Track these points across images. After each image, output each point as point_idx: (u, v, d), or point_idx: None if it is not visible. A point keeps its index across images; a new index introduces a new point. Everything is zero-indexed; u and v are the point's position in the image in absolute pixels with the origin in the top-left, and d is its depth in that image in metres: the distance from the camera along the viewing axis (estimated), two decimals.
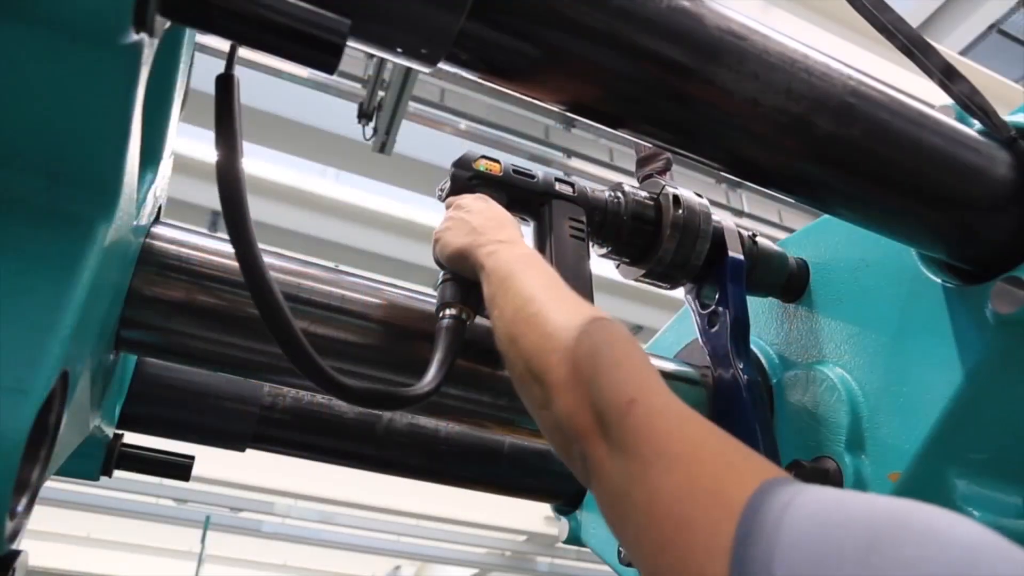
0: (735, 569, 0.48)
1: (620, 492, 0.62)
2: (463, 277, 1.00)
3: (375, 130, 4.68)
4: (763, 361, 1.30)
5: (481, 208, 1.00)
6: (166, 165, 1.01)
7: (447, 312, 0.99)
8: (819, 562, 0.44)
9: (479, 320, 1.00)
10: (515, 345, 0.80)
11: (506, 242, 0.93)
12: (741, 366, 1.15)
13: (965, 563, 0.40)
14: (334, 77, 4.59)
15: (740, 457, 0.58)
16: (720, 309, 1.20)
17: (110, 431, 1.17)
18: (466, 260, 0.96)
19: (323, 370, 0.80)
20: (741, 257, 1.23)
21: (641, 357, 0.71)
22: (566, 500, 1.60)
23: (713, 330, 1.20)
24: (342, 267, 1.18)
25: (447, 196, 1.09)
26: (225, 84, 0.74)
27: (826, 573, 0.44)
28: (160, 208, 1.06)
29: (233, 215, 0.73)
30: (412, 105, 4.61)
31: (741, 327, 1.19)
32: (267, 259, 1.00)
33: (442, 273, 1.03)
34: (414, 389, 0.90)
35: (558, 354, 0.73)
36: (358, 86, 4.69)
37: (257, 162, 6.32)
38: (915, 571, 0.41)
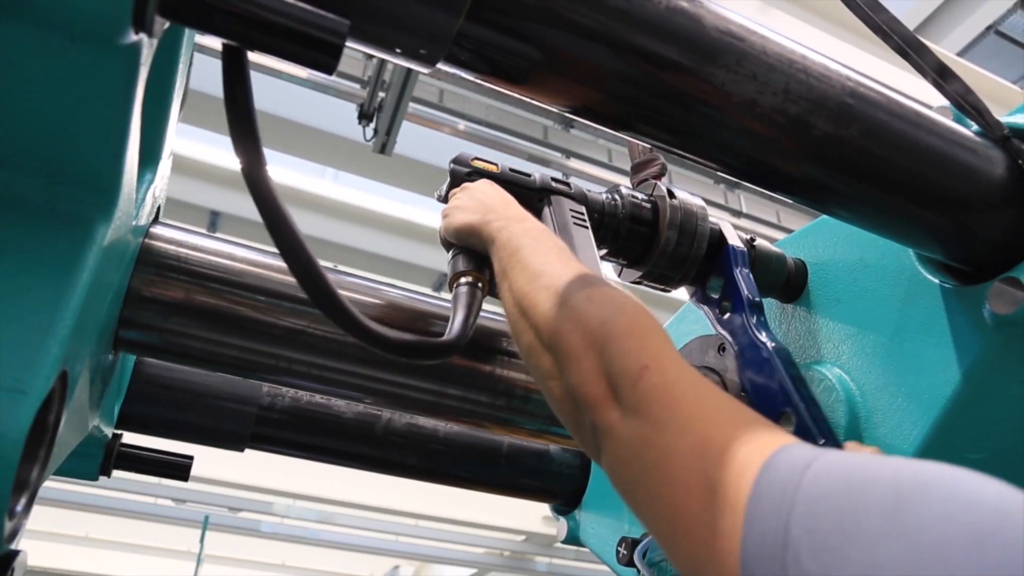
0: (748, 523, 0.48)
1: (632, 456, 0.62)
2: (474, 250, 0.99)
3: (375, 131, 4.68)
4: None
5: (487, 190, 1.01)
6: (165, 165, 1.01)
7: (462, 280, 0.98)
8: (842, 517, 0.44)
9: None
10: (526, 316, 0.80)
11: (513, 218, 0.94)
12: (764, 339, 1.13)
13: (991, 523, 0.40)
14: (335, 78, 4.60)
15: (756, 422, 0.58)
16: (729, 295, 1.18)
17: (109, 431, 1.17)
18: (476, 236, 0.96)
19: (358, 320, 0.78)
20: (742, 245, 1.23)
21: (654, 325, 0.71)
22: (564, 500, 1.60)
23: (726, 316, 1.18)
24: (341, 267, 1.18)
25: (447, 191, 1.09)
26: (235, 57, 0.66)
27: (849, 527, 0.43)
28: (159, 208, 1.06)
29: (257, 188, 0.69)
30: (411, 106, 4.61)
31: (756, 305, 1.17)
32: (267, 259, 1.01)
33: (452, 249, 1.02)
34: (446, 338, 0.89)
35: (570, 323, 0.73)
36: (358, 87, 4.69)
37: None
38: (941, 529, 0.40)
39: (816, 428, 0.93)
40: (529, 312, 0.79)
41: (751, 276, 1.20)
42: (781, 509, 0.47)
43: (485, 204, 0.97)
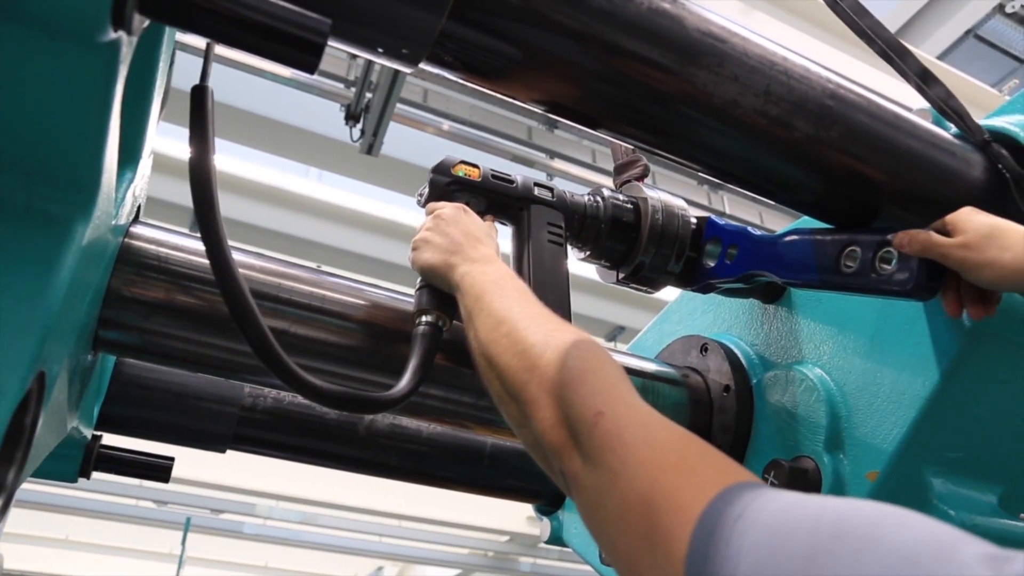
0: None
1: (595, 504, 0.63)
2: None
3: (362, 132, 4.66)
4: (743, 361, 1.31)
5: (458, 221, 1.01)
6: (145, 164, 1.00)
7: (423, 319, 1.00)
8: (763, 572, 0.45)
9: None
10: (491, 365, 0.81)
11: (479, 261, 0.95)
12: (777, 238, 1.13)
13: (901, 573, 0.40)
14: (320, 77, 4.58)
15: (703, 461, 0.59)
16: (733, 240, 1.18)
17: (88, 432, 1.16)
18: (441, 277, 0.97)
19: (292, 370, 0.81)
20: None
21: (611, 368, 0.72)
22: (548, 500, 1.60)
23: (732, 261, 1.18)
24: (324, 268, 1.17)
25: (426, 202, 1.10)
26: (200, 95, 0.77)
27: None
28: (139, 207, 1.06)
29: (204, 216, 0.76)
30: (396, 106, 4.60)
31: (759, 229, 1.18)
32: (249, 259, 1.00)
33: (420, 279, 1.03)
34: (386, 394, 0.91)
35: (530, 372, 0.74)
36: (342, 86, 4.68)
37: (241, 162, 6.28)
38: None
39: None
40: (493, 361, 0.80)
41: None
42: (714, 566, 0.47)
43: (453, 241, 0.98)
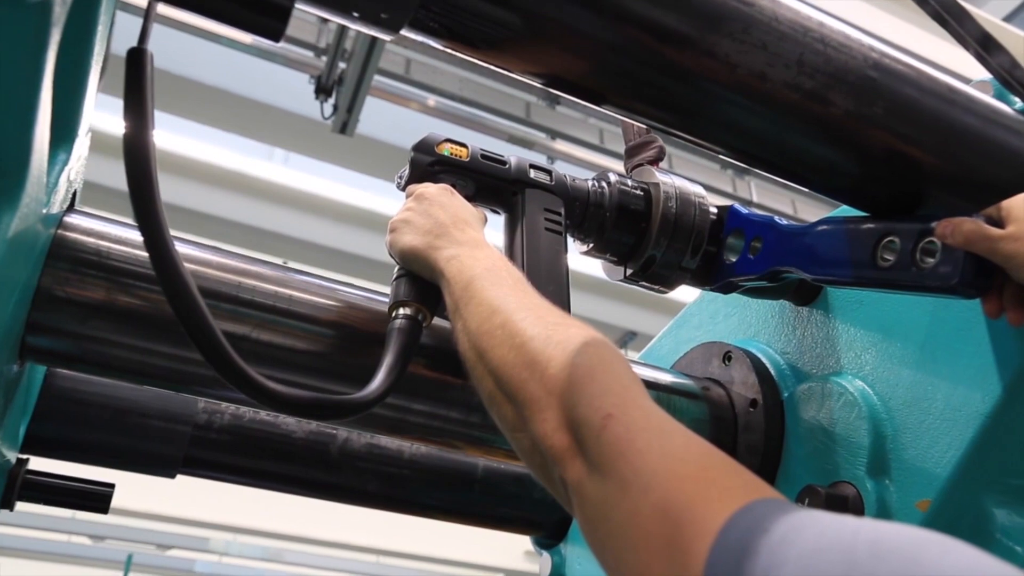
0: None
1: (600, 516, 0.64)
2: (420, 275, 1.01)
3: (335, 108, 4.67)
4: (772, 372, 1.31)
5: (443, 202, 1.02)
6: (82, 144, 1.00)
7: (401, 312, 1.00)
8: None
9: (446, 322, 1.00)
10: (482, 360, 0.82)
11: (467, 244, 0.95)
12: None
13: None
14: (288, 46, 4.58)
15: (724, 473, 0.60)
16: (756, 232, 1.18)
17: (12, 455, 1.16)
18: (423, 262, 0.97)
19: (243, 371, 0.80)
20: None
21: (620, 367, 0.73)
22: (548, 531, 1.60)
23: (756, 256, 1.18)
24: (291, 264, 1.17)
25: (406, 184, 1.10)
26: (137, 59, 0.75)
27: None
28: (75, 194, 1.05)
29: (140, 199, 0.75)
30: (374, 78, 4.61)
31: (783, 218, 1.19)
32: (204, 254, 1.01)
33: (397, 268, 1.04)
34: (356, 396, 0.90)
35: (530, 369, 0.75)
36: (312, 54, 4.68)
37: (195, 142, 6.28)
38: None
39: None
40: (486, 356, 0.81)
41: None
42: None
43: (437, 222, 0.98)
